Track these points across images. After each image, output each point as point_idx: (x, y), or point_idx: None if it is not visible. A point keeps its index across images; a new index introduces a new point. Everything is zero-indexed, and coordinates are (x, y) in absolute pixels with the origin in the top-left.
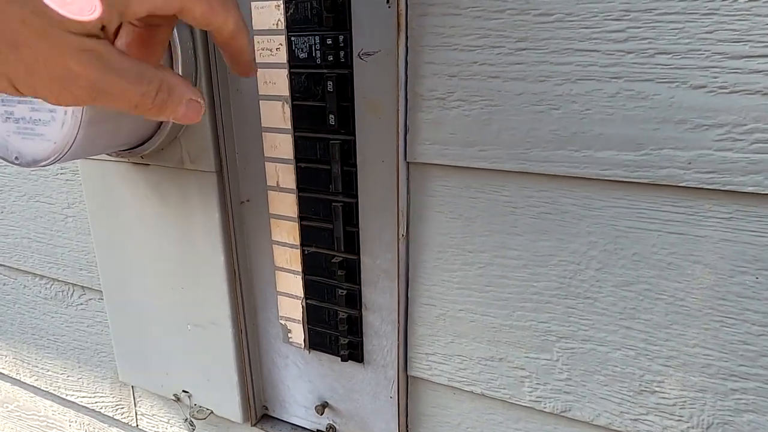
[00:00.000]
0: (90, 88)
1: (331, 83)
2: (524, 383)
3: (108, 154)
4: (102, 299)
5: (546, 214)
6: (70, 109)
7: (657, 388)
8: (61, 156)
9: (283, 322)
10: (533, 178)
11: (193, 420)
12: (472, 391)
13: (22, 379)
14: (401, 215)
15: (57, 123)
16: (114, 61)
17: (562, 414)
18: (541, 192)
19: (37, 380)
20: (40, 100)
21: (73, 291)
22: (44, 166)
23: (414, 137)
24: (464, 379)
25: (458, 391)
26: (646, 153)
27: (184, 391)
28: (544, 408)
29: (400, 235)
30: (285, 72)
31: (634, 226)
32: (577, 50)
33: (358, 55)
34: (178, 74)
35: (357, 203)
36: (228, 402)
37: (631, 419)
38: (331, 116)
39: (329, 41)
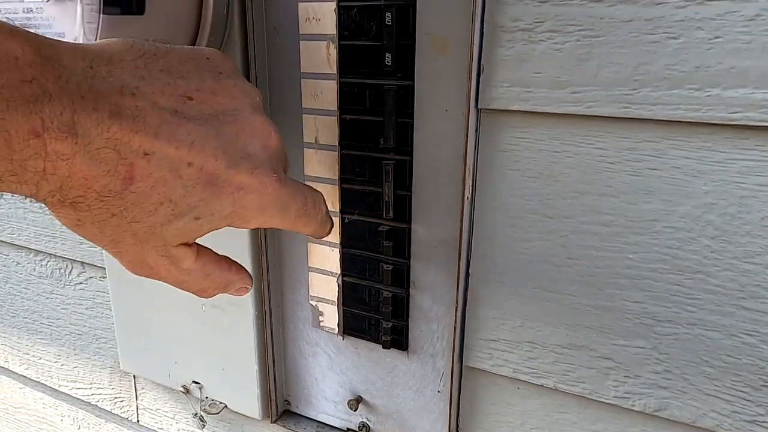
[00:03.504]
0: (154, 275)
1: (389, 15)
2: (609, 376)
3: None
4: (104, 277)
5: (650, 171)
6: (81, 35)
7: None
8: None
9: (314, 303)
10: (638, 126)
11: (203, 415)
12: (542, 385)
13: (10, 368)
14: (468, 174)
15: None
16: (187, 267)
17: (655, 413)
18: (646, 143)
19: (27, 369)
20: (46, 24)
21: (72, 268)
22: None
23: (489, 78)
24: (533, 371)
25: (525, 385)
26: None
27: (194, 382)
28: (633, 406)
29: (465, 198)
30: (332, 6)
31: None
32: None
33: None
34: (238, 268)
35: (411, 162)
36: (245, 395)
37: (745, 420)
38: (388, 56)
39: None
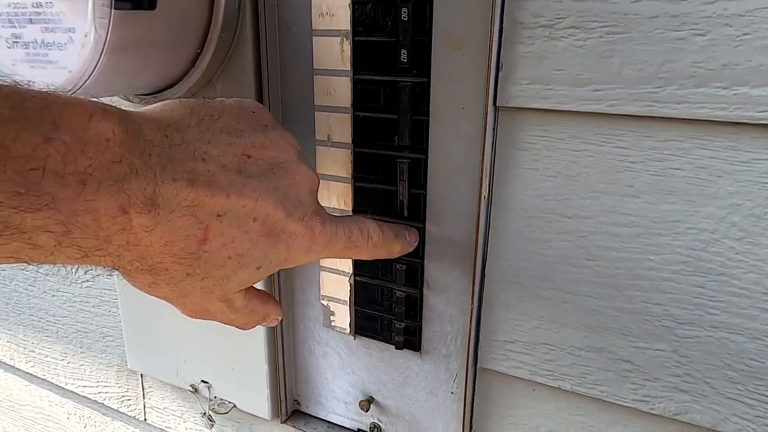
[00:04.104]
0: (210, 318)
1: (406, 11)
2: (628, 378)
3: (127, 99)
4: (111, 275)
5: (674, 171)
6: (92, 30)
7: None
8: (77, 88)
9: (325, 302)
10: (662, 125)
11: (212, 415)
12: (559, 387)
13: (16, 365)
14: (485, 173)
15: (75, 46)
16: (238, 306)
17: (675, 417)
18: (670, 142)
19: (33, 366)
20: (56, 19)
21: (79, 265)
22: None
23: (508, 76)
24: (550, 373)
25: (541, 387)
26: None
27: (203, 381)
28: (652, 409)
29: (482, 198)
30: (347, 1)
31: None
32: None
33: None
34: (274, 301)
35: (426, 160)
36: (255, 395)
37: None
38: (403, 52)
39: None
